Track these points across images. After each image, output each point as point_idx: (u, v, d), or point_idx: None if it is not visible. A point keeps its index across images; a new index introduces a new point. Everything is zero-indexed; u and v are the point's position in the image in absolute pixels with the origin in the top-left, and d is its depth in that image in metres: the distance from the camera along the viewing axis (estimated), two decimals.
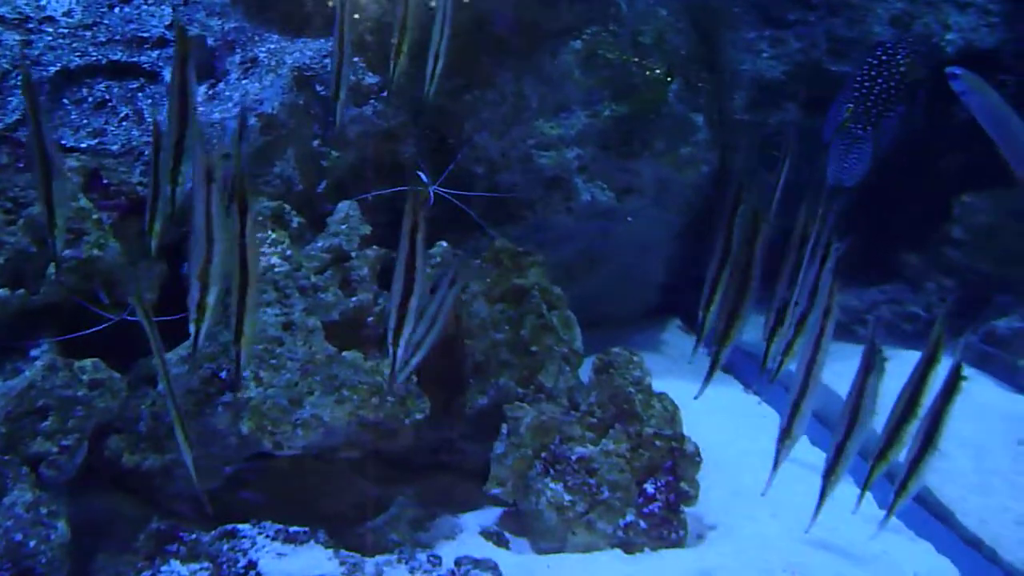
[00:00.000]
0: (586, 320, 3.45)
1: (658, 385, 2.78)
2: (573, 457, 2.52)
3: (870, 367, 1.69)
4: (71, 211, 2.37)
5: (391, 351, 1.84)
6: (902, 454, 1.83)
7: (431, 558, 2.23)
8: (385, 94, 3.22)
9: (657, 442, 2.52)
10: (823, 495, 1.75)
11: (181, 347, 2.49)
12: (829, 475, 1.73)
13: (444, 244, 2.89)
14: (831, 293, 1.72)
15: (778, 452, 1.72)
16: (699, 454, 2.54)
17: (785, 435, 1.70)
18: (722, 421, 3.18)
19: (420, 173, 3.20)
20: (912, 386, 1.74)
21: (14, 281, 2.27)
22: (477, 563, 2.22)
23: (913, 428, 1.79)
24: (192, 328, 1.61)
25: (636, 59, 3.72)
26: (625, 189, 3.77)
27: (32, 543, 1.99)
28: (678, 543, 2.41)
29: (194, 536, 2.25)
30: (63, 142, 2.89)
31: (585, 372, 2.91)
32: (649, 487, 2.44)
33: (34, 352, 2.28)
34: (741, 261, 1.66)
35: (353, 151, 3.22)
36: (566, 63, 3.56)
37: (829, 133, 3.59)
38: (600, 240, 3.94)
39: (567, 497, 2.47)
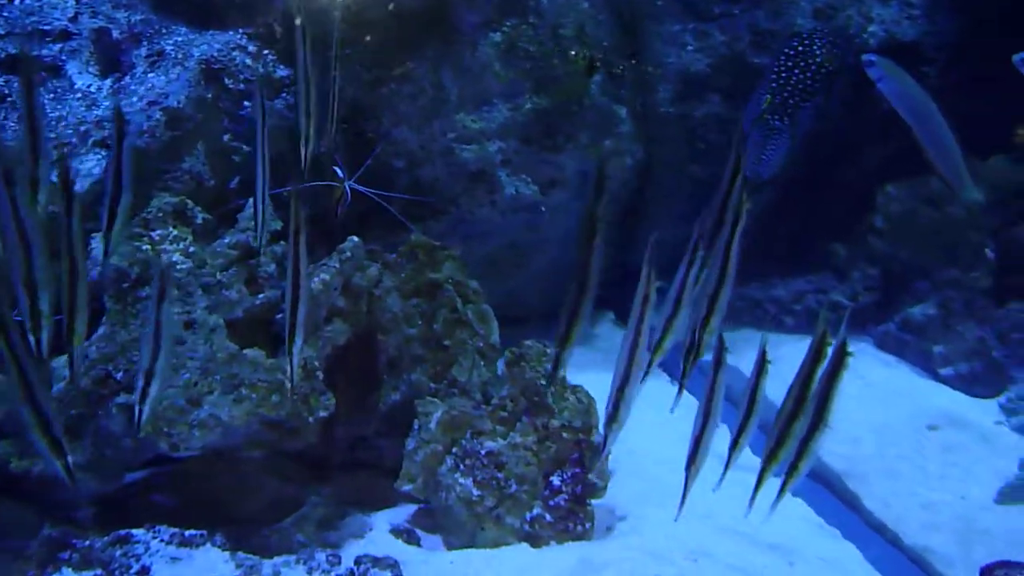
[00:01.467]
0: (515, 315, 3.43)
1: (587, 379, 2.76)
2: (483, 451, 2.50)
3: (720, 362, 1.71)
4: None
5: (290, 360, 1.81)
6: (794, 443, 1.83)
7: (330, 557, 2.19)
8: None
9: (564, 434, 2.51)
10: (686, 487, 1.76)
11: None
12: (689, 466, 1.73)
13: (355, 239, 2.84)
14: (648, 281, 1.72)
15: (605, 437, 1.72)
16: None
17: (611, 420, 1.70)
18: (644, 413, 3.18)
19: (336, 168, 3.15)
20: (799, 384, 1.74)
21: None
22: (377, 561, 2.19)
23: (802, 426, 1.78)
24: (32, 338, 1.55)
25: (557, 51, 3.70)
26: (549, 182, 3.76)
27: None
28: (584, 535, 2.41)
29: (87, 543, 2.19)
30: None
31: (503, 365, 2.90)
32: (555, 480, 2.43)
33: None
34: (581, 262, 1.65)
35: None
36: (486, 55, 3.53)
37: (747, 125, 3.62)
38: (526, 234, 3.93)
39: (476, 492, 2.45)
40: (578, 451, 2.48)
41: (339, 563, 2.19)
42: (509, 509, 2.43)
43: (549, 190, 3.76)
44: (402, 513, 2.67)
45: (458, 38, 3.52)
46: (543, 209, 3.67)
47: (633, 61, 4.00)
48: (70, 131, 2.89)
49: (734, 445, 1.82)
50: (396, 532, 2.55)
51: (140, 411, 1.70)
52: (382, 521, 2.62)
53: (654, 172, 4.15)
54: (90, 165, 2.81)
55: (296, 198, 1.78)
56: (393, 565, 2.18)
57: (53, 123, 2.91)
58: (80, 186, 2.72)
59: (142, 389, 1.72)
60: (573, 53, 3.71)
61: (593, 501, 2.47)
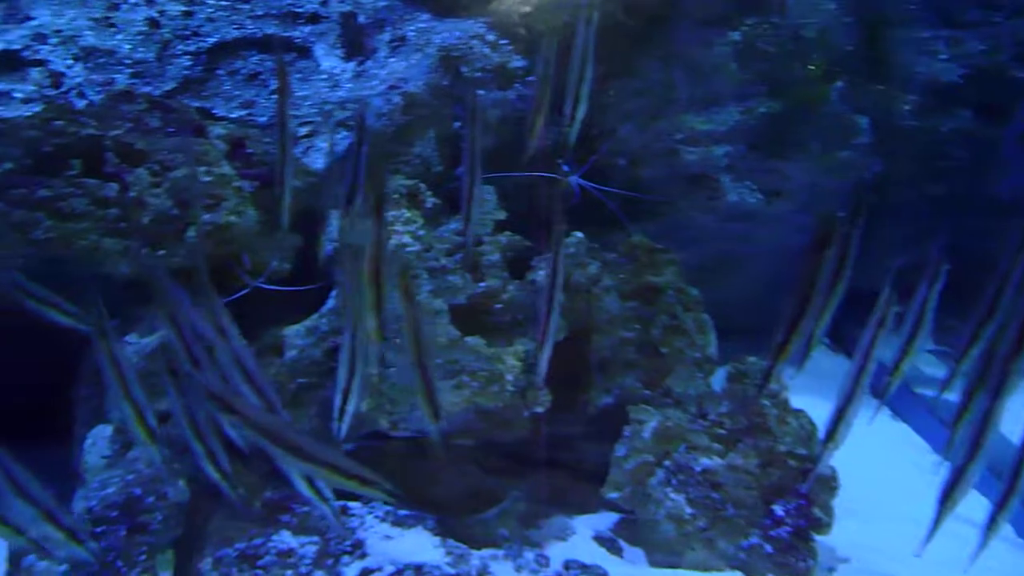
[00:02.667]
0: (720, 326, 3.28)
1: (798, 403, 2.60)
2: (698, 468, 2.37)
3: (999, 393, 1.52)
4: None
5: (540, 354, 1.78)
6: None
7: (539, 558, 2.14)
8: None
9: (790, 461, 2.34)
10: (938, 519, 1.59)
11: (310, 319, 2.50)
12: (945, 499, 1.56)
13: (579, 235, 2.79)
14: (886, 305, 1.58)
15: (820, 455, 1.68)
16: (836, 479, 2.34)
17: (829, 438, 1.61)
18: (864, 447, 2.95)
19: (560, 162, 3.11)
20: None
21: (155, 242, 2.32)
22: (586, 568, 2.11)
23: None
24: None
25: (797, 53, 3.50)
26: (774, 191, 3.56)
27: (150, 499, 2.02)
28: (805, 573, 2.23)
29: (306, 509, 2.24)
30: (215, 111, 2.96)
31: (717, 381, 2.77)
32: (778, 509, 2.27)
33: None
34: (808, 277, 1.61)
35: (493, 135, 3.16)
36: (721, 54, 3.38)
37: (1010, 145, 3.29)
38: (740, 243, 3.75)
39: (688, 510, 2.33)
40: (803, 481, 2.30)
41: (547, 565, 2.13)
42: (723, 533, 2.29)
43: (773, 200, 3.57)
44: (604, 520, 2.60)
45: (692, 35, 3.40)
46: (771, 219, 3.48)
47: (877, 68, 3.73)
48: (314, 110, 3.00)
49: (995, 515, 1.63)
50: (599, 539, 2.47)
51: (339, 428, 1.71)
52: (584, 526, 2.55)
53: (888, 188, 3.85)
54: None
55: (558, 205, 1.74)
56: (603, 575, 2.10)
57: (298, 102, 3.03)
58: (321, 164, 2.81)
59: (340, 407, 1.74)
60: (814, 57, 3.50)
61: (817, 537, 2.29)
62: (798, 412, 2.55)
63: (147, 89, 2.91)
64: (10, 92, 2.83)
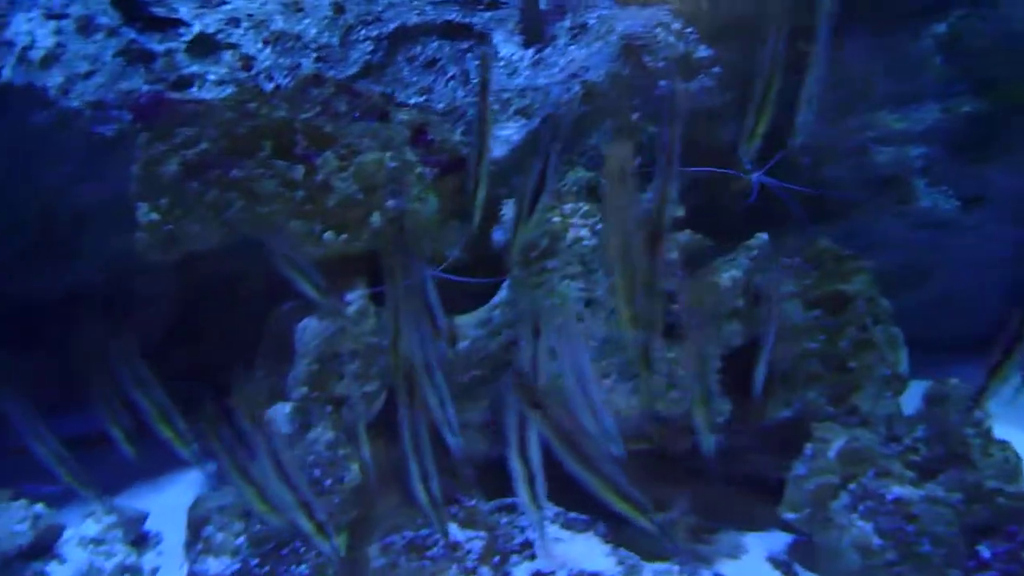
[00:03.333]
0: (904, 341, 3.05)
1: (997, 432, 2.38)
2: (889, 496, 2.19)
3: None
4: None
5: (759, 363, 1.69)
6: None
7: None
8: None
9: (1000, 499, 2.13)
10: None
11: (482, 310, 2.47)
12: None
13: (764, 237, 2.64)
14: None
15: None
16: None
17: None
18: None
19: (743, 159, 2.95)
20: None
21: (339, 225, 2.33)
22: None
23: None
24: None
25: (1008, 48, 3.20)
26: (973, 198, 3.28)
27: (328, 482, 2.04)
28: None
29: (474, 503, 2.21)
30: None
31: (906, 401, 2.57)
32: (984, 551, 2.07)
33: (348, 297, 2.34)
34: None
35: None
36: (926, 48, 3.13)
37: None
38: (929, 253, 3.48)
39: (876, 540, 2.16)
40: (1017, 523, 2.09)
41: None
42: (917, 569, 2.11)
43: (972, 207, 3.29)
44: (777, 541, 2.45)
45: (897, 25, 3.15)
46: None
47: None
48: (491, 97, 2.96)
49: None
50: (774, 561, 2.33)
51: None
52: (756, 545, 2.42)
53: None
54: (508, 132, 2.85)
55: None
56: None
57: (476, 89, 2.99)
58: (499, 152, 2.77)
59: None
60: None
61: None
62: (1003, 444, 2.32)
63: (331, 73, 2.94)
64: (205, 75, 2.92)
